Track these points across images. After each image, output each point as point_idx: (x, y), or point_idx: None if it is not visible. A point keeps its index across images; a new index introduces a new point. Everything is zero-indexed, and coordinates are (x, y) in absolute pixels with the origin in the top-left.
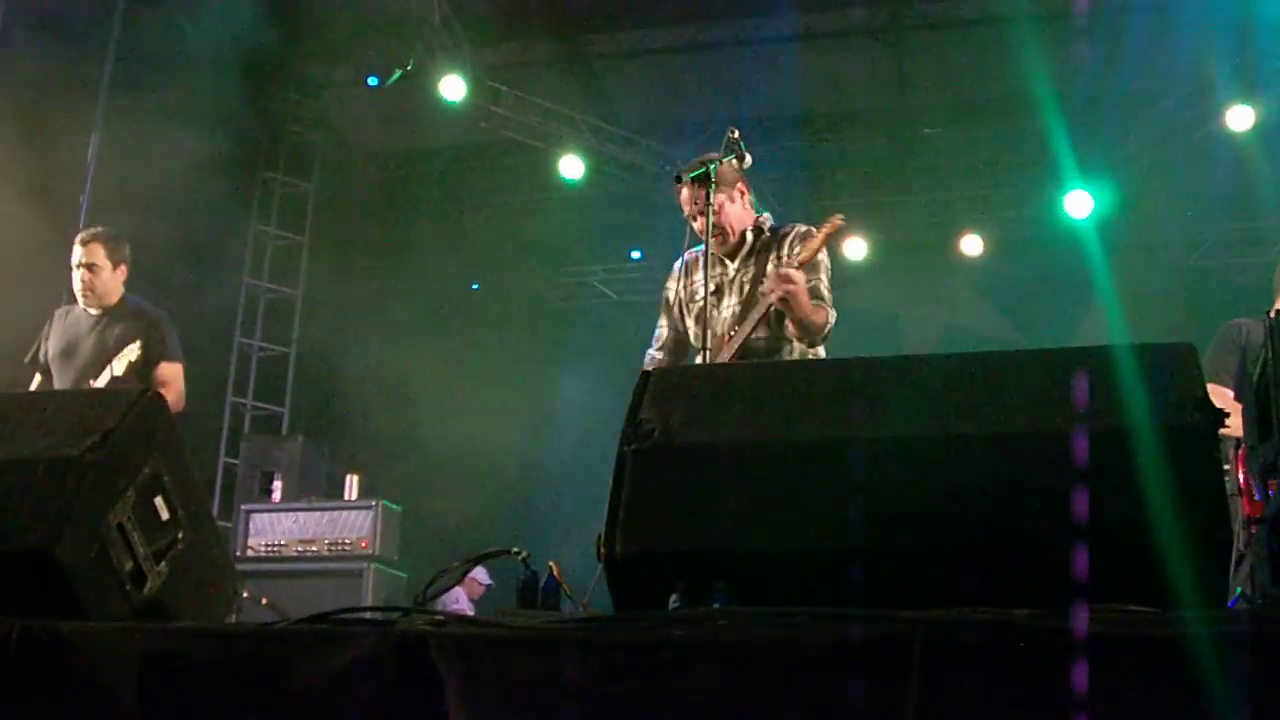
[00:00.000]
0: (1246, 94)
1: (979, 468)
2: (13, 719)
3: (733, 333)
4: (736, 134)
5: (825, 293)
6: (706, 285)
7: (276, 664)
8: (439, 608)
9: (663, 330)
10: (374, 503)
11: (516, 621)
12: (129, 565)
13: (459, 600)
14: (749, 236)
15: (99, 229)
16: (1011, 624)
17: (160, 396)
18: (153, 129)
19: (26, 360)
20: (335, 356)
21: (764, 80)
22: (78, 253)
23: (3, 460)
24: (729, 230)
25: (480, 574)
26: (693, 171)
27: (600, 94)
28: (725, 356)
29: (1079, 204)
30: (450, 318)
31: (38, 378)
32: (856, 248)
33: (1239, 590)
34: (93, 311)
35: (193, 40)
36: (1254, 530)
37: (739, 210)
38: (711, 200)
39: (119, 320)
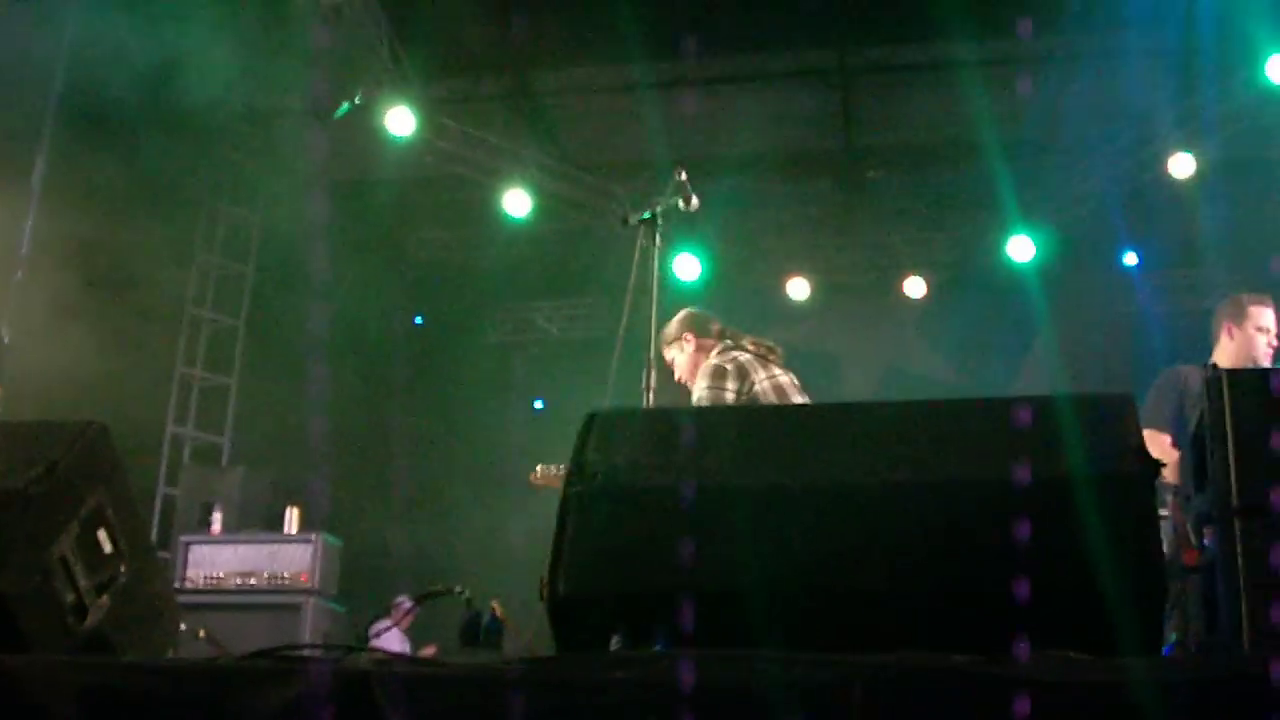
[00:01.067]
0: (1189, 142)
1: (920, 514)
2: None
3: None
4: (684, 176)
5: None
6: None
7: (219, 700)
8: (369, 637)
9: None
10: (314, 536)
11: (459, 661)
12: (70, 598)
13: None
14: None
15: None
16: (952, 670)
17: (106, 429)
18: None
19: None
20: (277, 387)
21: (709, 120)
22: None
23: None
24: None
25: (408, 602)
26: (640, 215)
27: (547, 131)
28: None
29: (1021, 248)
30: (393, 351)
31: None
32: (799, 288)
33: (1174, 636)
34: None
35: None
36: (1189, 579)
37: (692, 362)
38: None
39: None
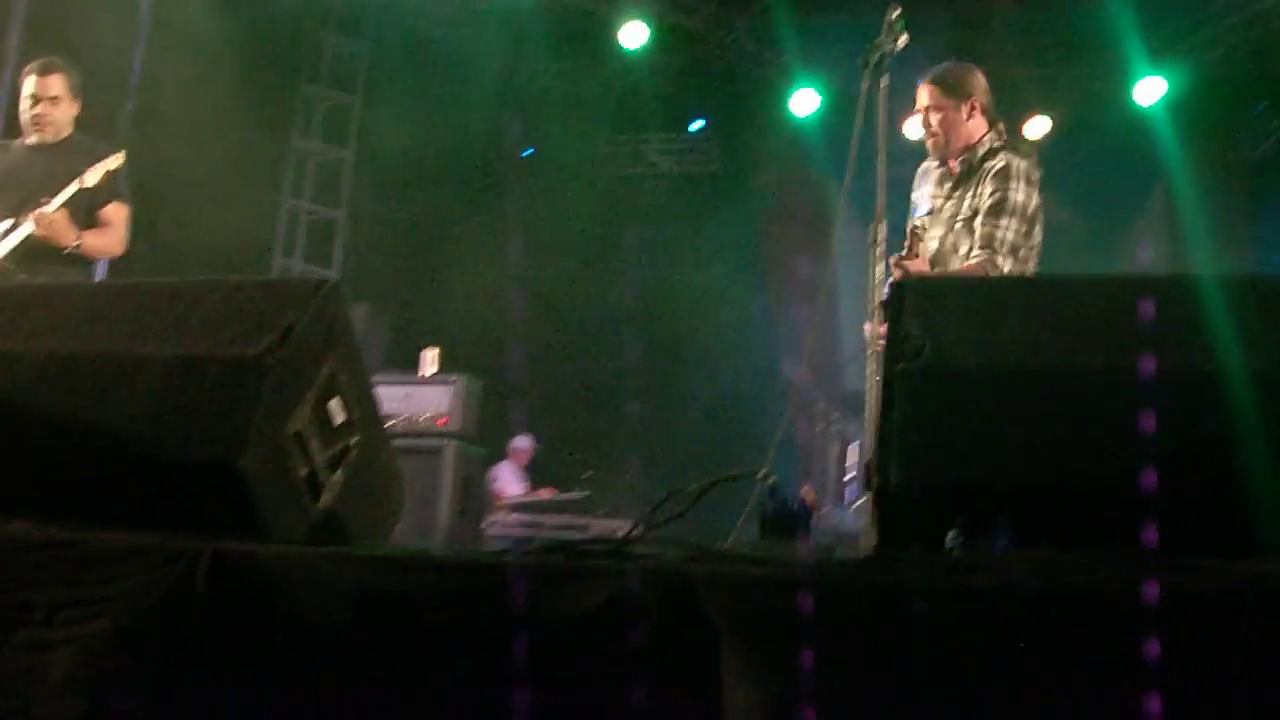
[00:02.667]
0: None
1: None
2: (208, 661)
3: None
4: (896, 13)
5: (998, 241)
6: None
7: (520, 602)
8: (488, 482)
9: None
10: (454, 378)
11: (787, 559)
12: (305, 474)
13: (502, 475)
14: (958, 166)
15: (55, 59)
16: None
17: (338, 286)
18: None
19: None
20: (386, 221)
21: None
22: (34, 84)
23: (171, 358)
24: (952, 145)
25: (523, 442)
26: (866, 57)
27: None
28: None
29: (1148, 90)
30: (504, 182)
31: None
32: (915, 128)
33: None
34: (40, 142)
35: None
36: None
37: (963, 128)
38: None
39: (72, 152)
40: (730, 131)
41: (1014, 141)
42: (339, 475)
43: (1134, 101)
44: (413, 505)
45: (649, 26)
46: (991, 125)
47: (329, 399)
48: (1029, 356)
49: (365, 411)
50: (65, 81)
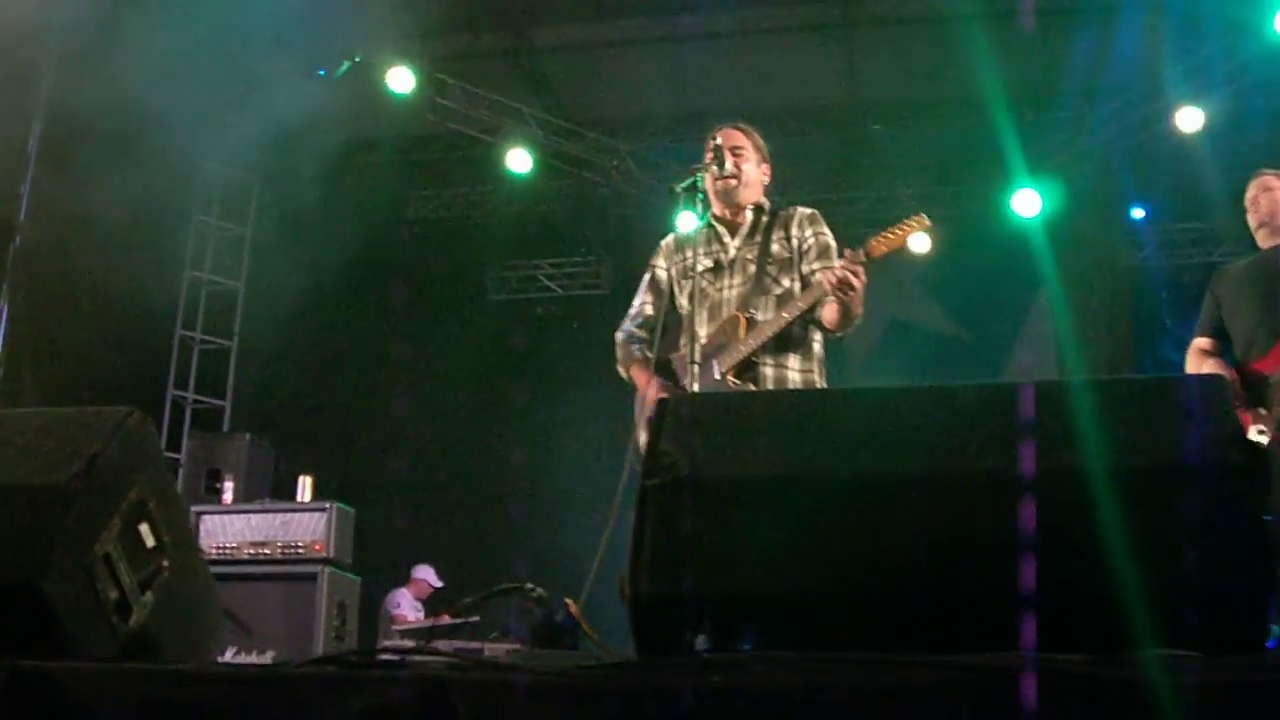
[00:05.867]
0: (1196, 95)
1: (1022, 506)
2: None
3: (750, 313)
4: (719, 139)
5: None
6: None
7: (285, 711)
8: (386, 607)
9: (646, 308)
10: (328, 504)
11: (539, 666)
12: (114, 595)
13: (401, 602)
14: (749, 215)
15: None
16: (1063, 670)
17: (146, 416)
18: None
19: None
20: (277, 350)
21: (711, 74)
22: None
23: None
24: (742, 188)
25: (429, 574)
26: (682, 183)
27: (547, 87)
28: (752, 343)
29: (1026, 202)
30: (394, 310)
31: None
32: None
33: (1277, 630)
34: None
35: None
36: None
37: (757, 178)
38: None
39: None
40: (619, 254)
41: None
42: (149, 596)
43: (1014, 213)
44: (290, 629)
45: (533, 155)
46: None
47: (138, 523)
48: (775, 468)
49: (177, 535)
50: None
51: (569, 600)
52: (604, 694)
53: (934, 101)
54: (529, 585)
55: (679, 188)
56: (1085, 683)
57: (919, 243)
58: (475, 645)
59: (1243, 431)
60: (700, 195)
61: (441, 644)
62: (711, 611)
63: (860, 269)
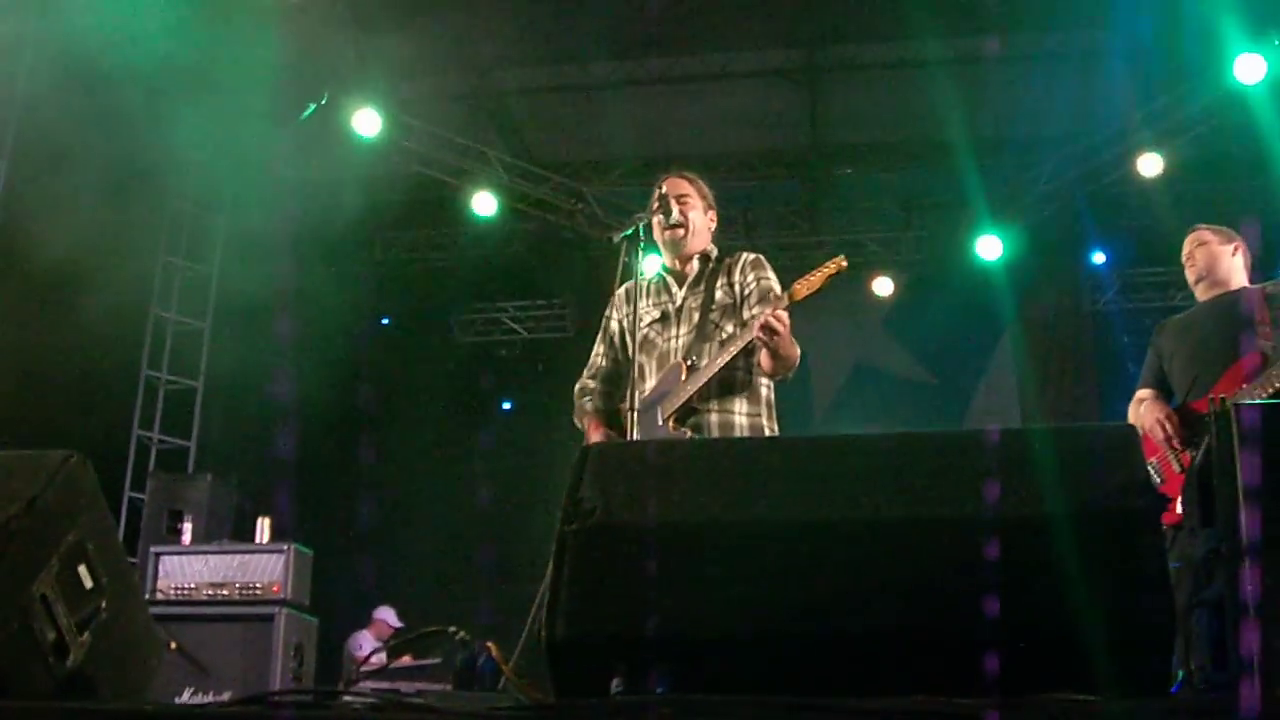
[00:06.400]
0: (1157, 141)
1: (926, 553)
2: None
3: (691, 360)
4: (665, 189)
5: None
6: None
7: None
8: (349, 650)
9: (599, 359)
10: (286, 546)
11: (456, 707)
12: (51, 636)
13: (364, 644)
14: (695, 265)
15: None
16: (961, 714)
17: (85, 460)
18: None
19: None
20: (243, 391)
21: (676, 119)
22: None
23: None
24: (690, 237)
25: (389, 616)
26: (624, 231)
27: (513, 131)
28: (690, 389)
29: (989, 247)
30: (360, 352)
31: None
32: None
33: (1181, 674)
34: None
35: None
36: (1197, 614)
37: (704, 226)
38: (677, 213)
39: None
40: (583, 298)
41: None
42: (86, 637)
43: (977, 257)
44: (247, 670)
45: (497, 198)
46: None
47: (77, 564)
48: (691, 514)
49: (115, 576)
50: None
51: (490, 644)
52: None
53: (897, 146)
54: (452, 628)
55: (619, 238)
56: None
57: (882, 286)
58: (392, 686)
59: (1149, 479)
60: (642, 245)
61: (407, 684)
62: (627, 655)
63: (784, 313)
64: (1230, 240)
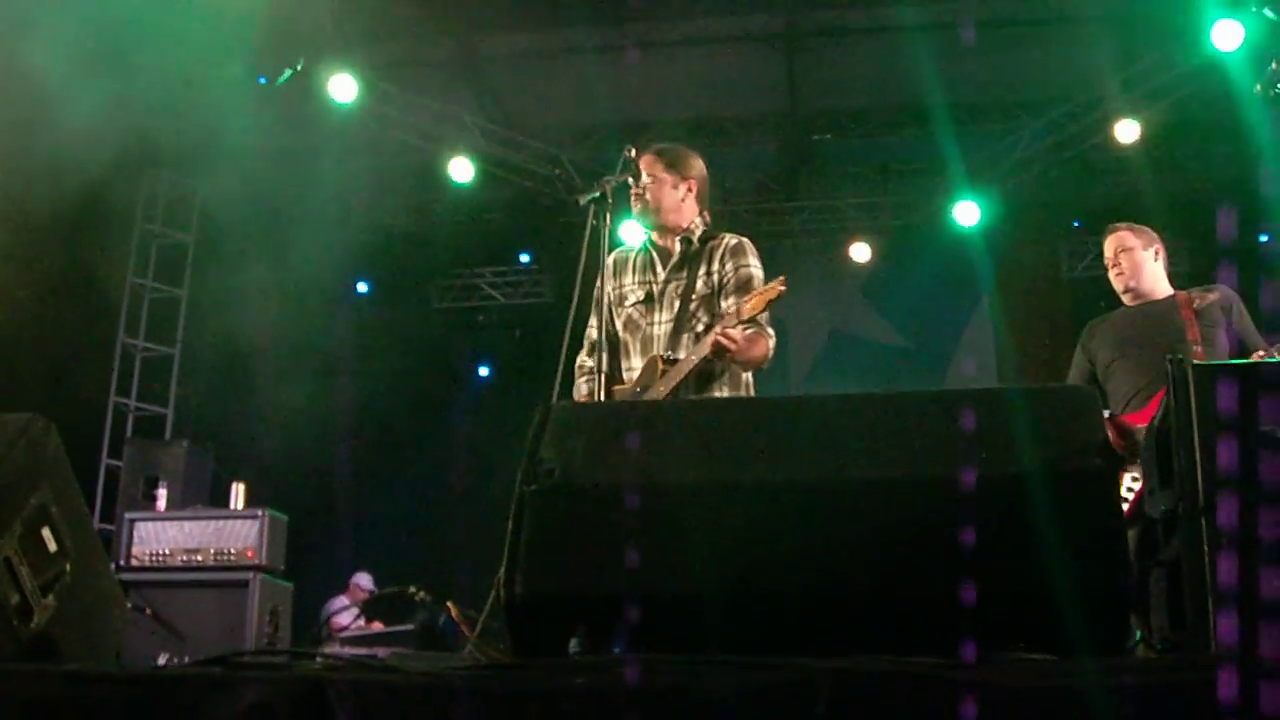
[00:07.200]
0: (1133, 108)
1: (881, 512)
2: None
3: (666, 354)
4: (633, 153)
5: (763, 322)
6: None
7: (169, 710)
8: (325, 614)
9: (593, 331)
10: (260, 512)
11: (414, 667)
12: (15, 599)
13: (340, 609)
14: (677, 246)
15: None
16: (913, 674)
17: (49, 424)
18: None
19: None
20: (220, 358)
21: (655, 84)
22: None
23: None
24: (659, 215)
25: (366, 581)
26: (591, 194)
27: (490, 96)
28: (664, 388)
29: (967, 213)
30: (338, 319)
31: None
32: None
33: (1139, 634)
34: None
35: None
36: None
37: (675, 203)
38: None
39: None
40: (561, 264)
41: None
42: (50, 599)
43: (955, 223)
44: (220, 635)
45: (475, 164)
46: (701, 213)
47: (40, 527)
48: (648, 474)
49: (80, 540)
50: None
51: (450, 604)
52: (477, 694)
53: (876, 111)
54: (413, 589)
55: (585, 199)
56: (939, 685)
57: (860, 252)
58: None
59: (1107, 440)
60: (611, 208)
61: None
62: (585, 614)
63: (734, 330)
64: (1151, 243)
